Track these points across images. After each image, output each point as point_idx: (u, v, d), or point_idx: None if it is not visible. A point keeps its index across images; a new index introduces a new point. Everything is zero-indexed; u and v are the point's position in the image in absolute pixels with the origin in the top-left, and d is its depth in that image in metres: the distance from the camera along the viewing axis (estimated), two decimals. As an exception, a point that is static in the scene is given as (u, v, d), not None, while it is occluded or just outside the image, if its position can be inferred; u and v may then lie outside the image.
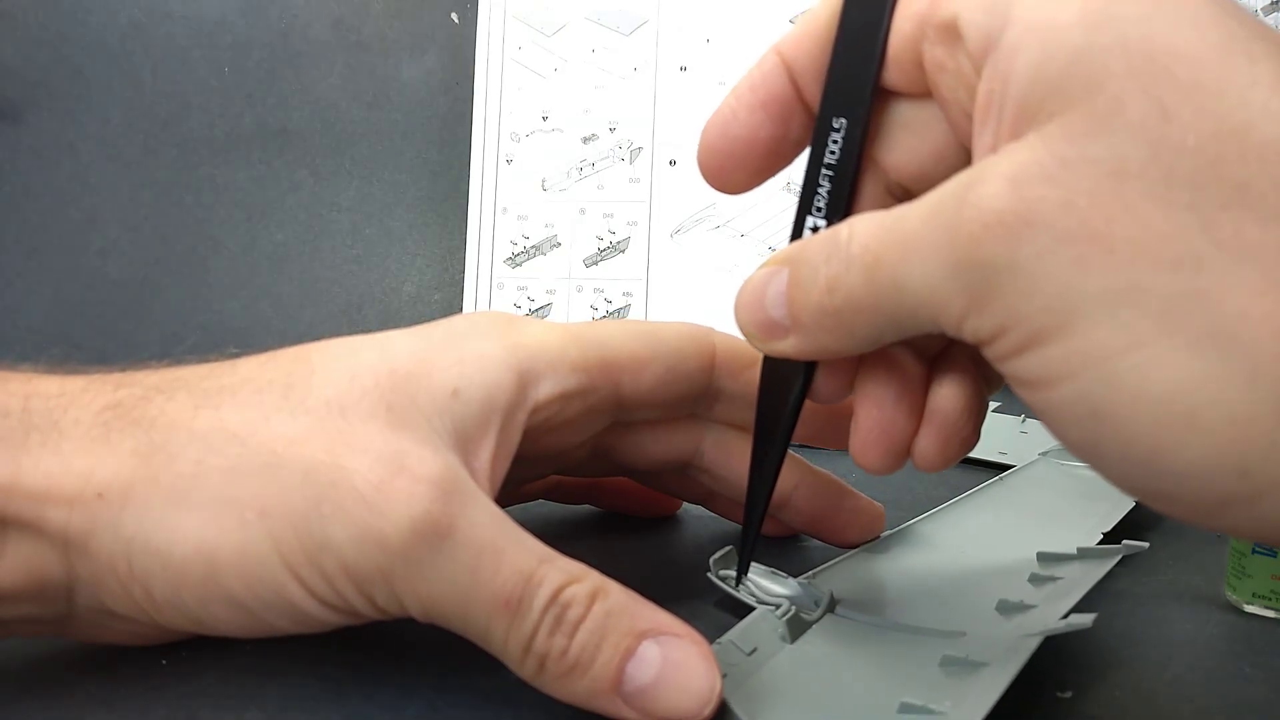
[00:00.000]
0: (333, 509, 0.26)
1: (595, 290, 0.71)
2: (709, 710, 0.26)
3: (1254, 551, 0.35)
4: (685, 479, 0.38)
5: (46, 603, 0.28)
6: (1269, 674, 0.32)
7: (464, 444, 0.29)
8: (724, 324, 0.73)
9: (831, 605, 0.33)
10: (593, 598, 0.27)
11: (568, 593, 0.27)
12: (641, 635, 0.27)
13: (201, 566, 0.26)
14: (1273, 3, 0.67)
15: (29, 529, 0.26)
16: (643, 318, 0.70)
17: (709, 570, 0.34)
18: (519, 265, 0.72)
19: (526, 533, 0.28)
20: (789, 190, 0.71)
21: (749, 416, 0.31)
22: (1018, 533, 0.40)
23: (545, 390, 0.31)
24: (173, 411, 0.28)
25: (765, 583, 0.33)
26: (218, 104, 0.76)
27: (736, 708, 0.27)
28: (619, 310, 0.70)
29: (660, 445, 0.37)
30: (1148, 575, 0.39)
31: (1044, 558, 0.36)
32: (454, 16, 0.77)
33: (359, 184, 0.76)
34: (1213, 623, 0.36)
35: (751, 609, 0.32)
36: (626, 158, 0.73)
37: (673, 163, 0.72)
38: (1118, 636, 0.34)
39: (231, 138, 0.76)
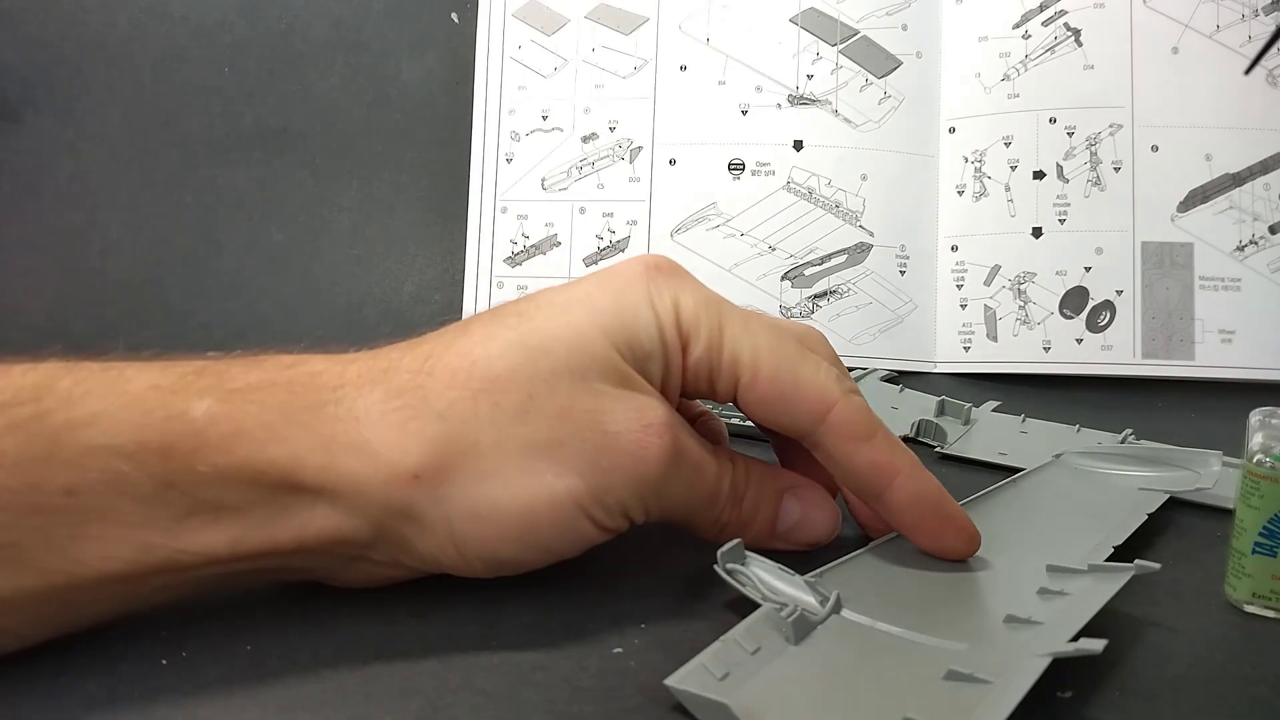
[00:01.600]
0: (609, 464, 0.33)
1: (595, 290, 0.71)
2: (833, 536, 0.39)
3: (1254, 551, 0.35)
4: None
5: (337, 557, 0.33)
6: (1269, 674, 0.32)
7: (661, 385, 0.36)
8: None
9: (838, 606, 0.32)
10: (748, 473, 0.38)
11: (737, 476, 0.37)
12: (782, 493, 0.38)
13: (522, 524, 0.33)
14: (1273, 2, 0.67)
15: (341, 501, 0.31)
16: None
17: (716, 563, 0.34)
18: (519, 264, 0.73)
19: (706, 441, 0.37)
20: (788, 190, 0.71)
21: (843, 480, 0.38)
22: (1029, 539, 0.39)
23: (692, 351, 0.36)
24: (452, 396, 0.33)
25: (772, 580, 0.33)
26: (218, 104, 0.76)
27: (736, 709, 0.27)
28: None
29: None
30: (1148, 575, 0.39)
31: (1054, 570, 0.35)
32: (454, 16, 0.77)
33: (359, 184, 0.76)
34: (1213, 623, 0.36)
35: (757, 605, 0.32)
36: (626, 157, 0.73)
37: (672, 162, 0.72)
38: (1118, 636, 0.34)
39: (232, 138, 0.76)
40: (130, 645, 0.31)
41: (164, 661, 0.31)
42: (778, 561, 0.34)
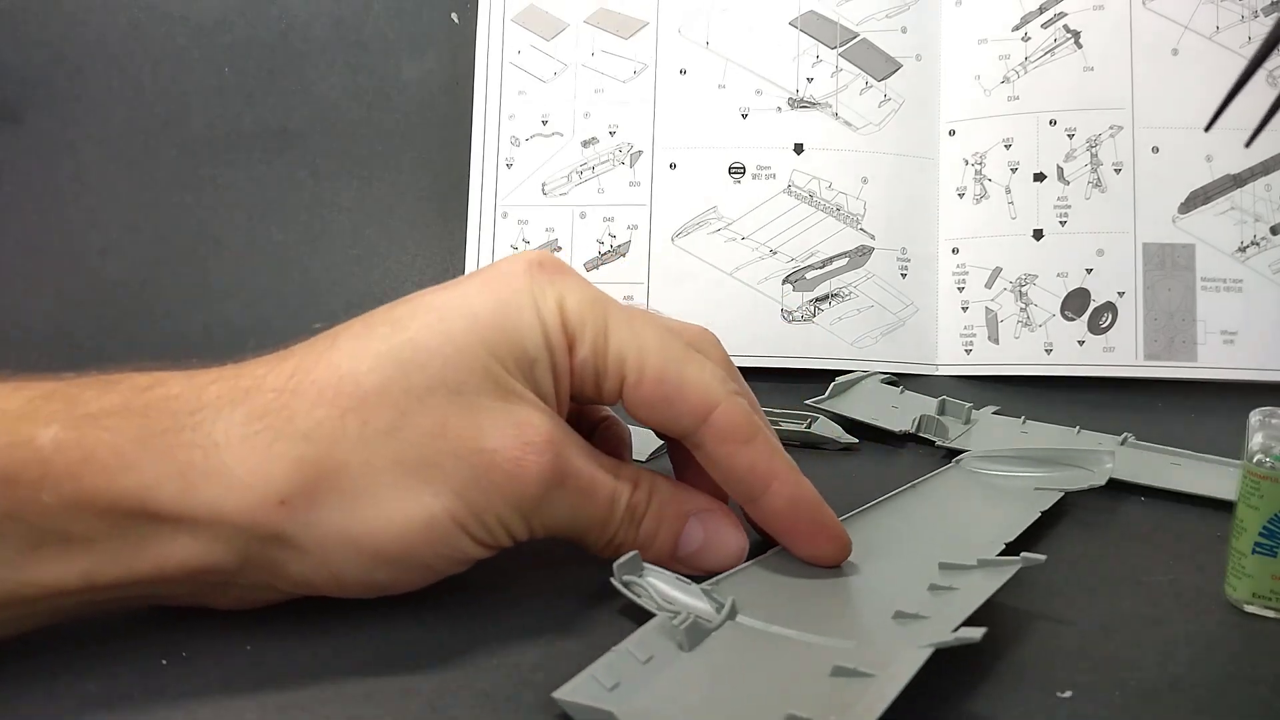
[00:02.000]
0: (487, 482, 0.32)
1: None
2: (739, 562, 0.37)
3: (1254, 552, 0.35)
4: None
5: (205, 584, 0.31)
6: (1269, 674, 0.32)
7: (551, 391, 0.35)
8: (726, 327, 0.73)
9: (733, 613, 0.32)
10: (650, 495, 0.36)
11: (636, 498, 0.35)
12: (686, 516, 0.37)
13: (398, 546, 0.32)
14: (1274, 2, 0.67)
15: (203, 530, 0.30)
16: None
17: (612, 575, 0.34)
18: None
19: (601, 454, 0.35)
20: (789, 193, 0.71)
21: (723, 483, 0.37)
22: (924, 541, 0.40)
23: (581, 355, 0.35)
24: (319, 415, 0.31)
25: (667, 589, 0.33)
26: (217, 104, 0.76)
27: (622, 717, 0.27)
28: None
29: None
30: (1146, 575, 0.39)
31: (945, 568, 0.36)
32: (454, 16, 0.77)
33: (359, 184, 0.76)
34: (1213, 623, 0.35)
35: (652, 615, 0.32)
36: (627, 161, 0.73)
37: (673, 166, 0.72)
38: (1118, 637, 0.34)
39: (231, 138, 0.76)
40: (130, 645, 0.31)
41: (164, 661, 0.31)
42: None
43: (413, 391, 0.32)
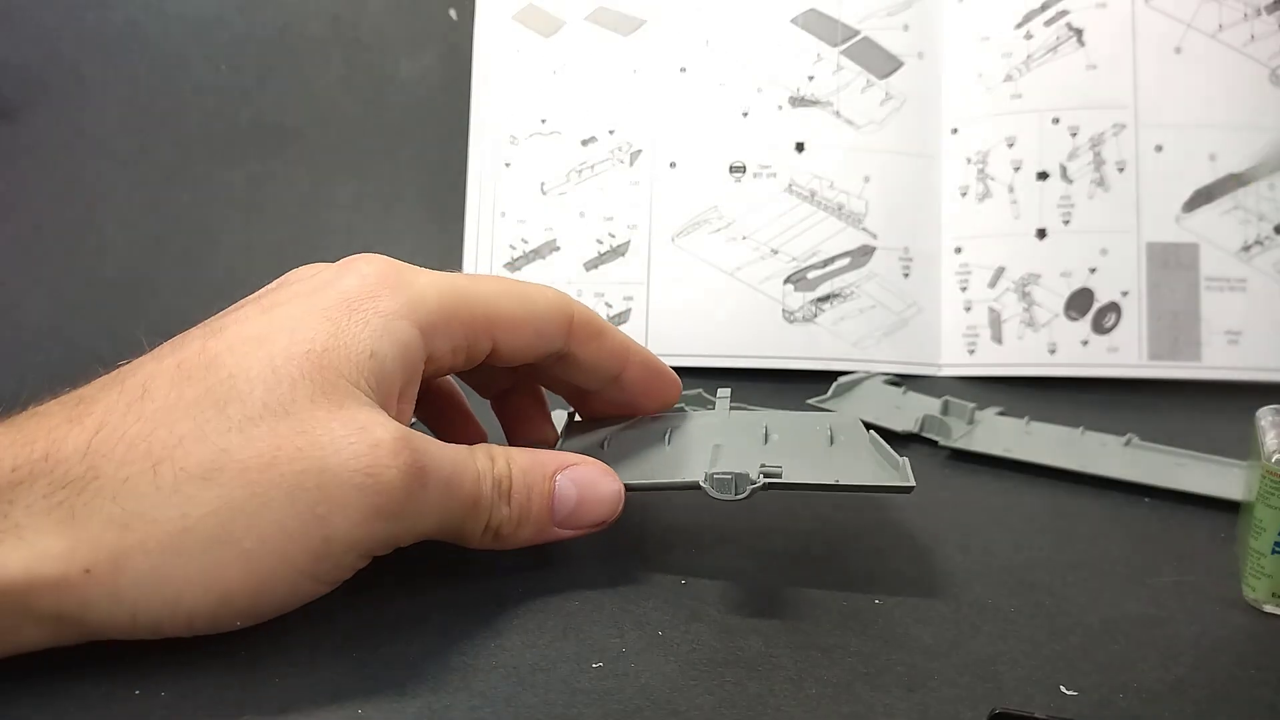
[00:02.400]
0: (329, 508, 0.29)
1: (596, 294, 0.71)
2: (619, 509, 0.36)
3: (1273, 551, 0.35)
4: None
5: (18, 647, 0.29)
6: (1272, 676, 0.32)
7: (386, 398, 0.32)
8: (727, 327, 0.72)
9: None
10: (509, 463, 0.34)
11: (497, 472, 0.34)
12: (553, 475, 0.35)
13: (213, 603, 0.29)
14: (1275, 2, 0.67)
15: (8, 608, 0.28)
16: (644, 321, 0.70)
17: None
18: (518, 269, 0.72)
19: (452, 443, 0.33)
20: (791, 192, 0.70)
21: (588, 379, 0.39)
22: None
23: (440, 345, 0.34)
24: (126, 474, 0.28)
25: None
26: (215, 102, 0.76)
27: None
28: (620, 314, 0.70)
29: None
30: (1151, 576, 0.39)
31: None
32: (452, 13, 0.77)
33: (356, 182, 0.76)
34: (1218, 623, 0.35)
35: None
36: (626, 160, 0.72)
37: (673, 165, 0.72)
38: (1122, 638, 0.34)
39: (228, 135, 0.76)
40: (127, 646, 0.31)
41: (162, 662, 0.30)
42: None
43: (233, 426, 0.29)
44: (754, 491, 0.34)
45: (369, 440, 0.30)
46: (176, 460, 0.29)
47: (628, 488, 0.36)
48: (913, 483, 0.35)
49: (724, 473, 0.34)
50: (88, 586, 0.28)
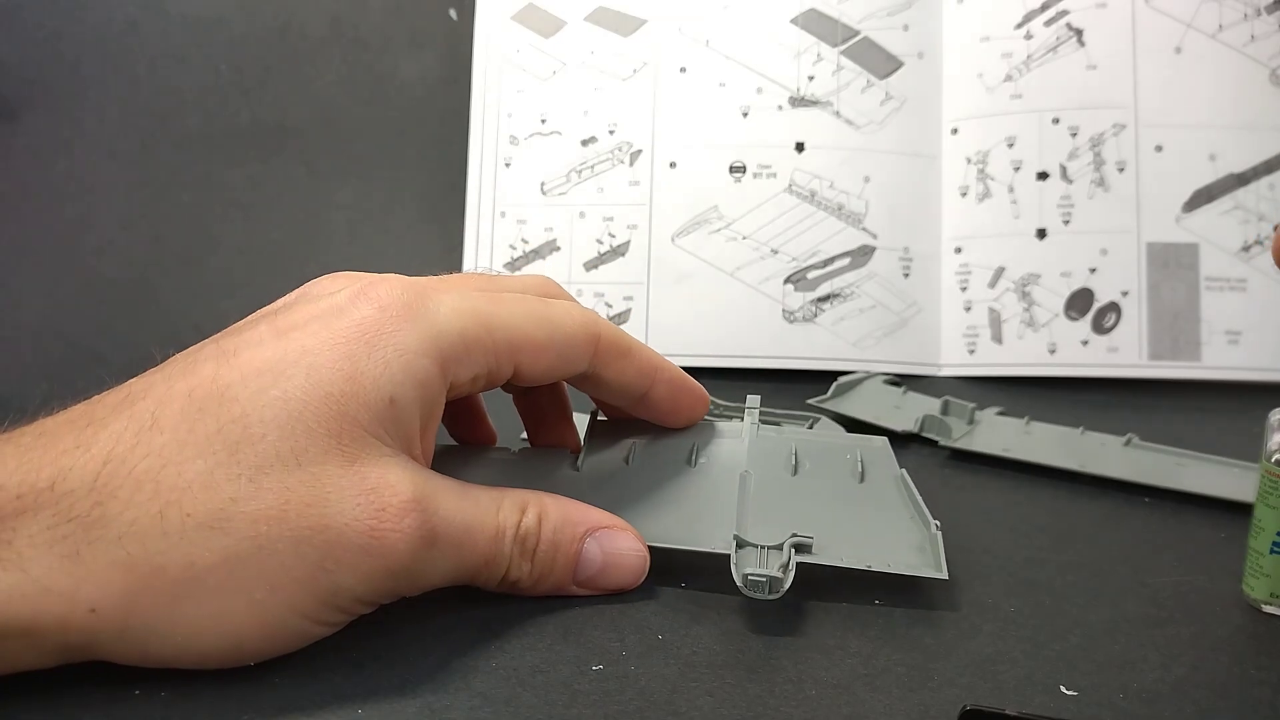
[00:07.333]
0: (335, 563, 0.29)
1: (596, 294, 0.71)
2: (641, 580, 0.36)
3: (1272, 551, 0.35)
4: None
5: (25, 668, 0.29)
6: (1272, 676, 0.32)
7: (408, 442, 0.32)
8: (727, 327, 0.72)
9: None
10: (540, 522, 0.34)
11: (523, 528, 0.33)
12: (583, 538, 0.35)
13: (227, 648, 0.29)
14: (1275, 2, 0.67)
15: (11, 643, 0.27)
16: (644, 322, 0.70)
17: None
18: (518, 269, 0.72)
19: (476, 487, 0.33)
20: (790, 192, 0.70)
21: (613, 397, 0.39)
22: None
23: (462, 374, 0.34)
24: (133, 515, 0.28)
25: None
26: (214, 101, 0.76)
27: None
28: (620, 314, 0.70)
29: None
30: (1151, 576, 0.39)
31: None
32: (452, 13, 0.77)
33: (356, 182, 0.76)
34: (1218, 624, 0.35)
35: None
36: (626, 160, 0.72)
37: (673, 165, 0.72)
38: (1121, 638, 0.34)
39: (228, 135, 0.76)
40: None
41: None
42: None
43: (242, 474, 0.29)
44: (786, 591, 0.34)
45: (376, 504, 0.30)
46: (184, 505, 0.28)
47: (653, 549, 0.36)
48: (945, 575, 0.35)
49: (758, 574, 0.33)
50: (94, 625, 0.28)
